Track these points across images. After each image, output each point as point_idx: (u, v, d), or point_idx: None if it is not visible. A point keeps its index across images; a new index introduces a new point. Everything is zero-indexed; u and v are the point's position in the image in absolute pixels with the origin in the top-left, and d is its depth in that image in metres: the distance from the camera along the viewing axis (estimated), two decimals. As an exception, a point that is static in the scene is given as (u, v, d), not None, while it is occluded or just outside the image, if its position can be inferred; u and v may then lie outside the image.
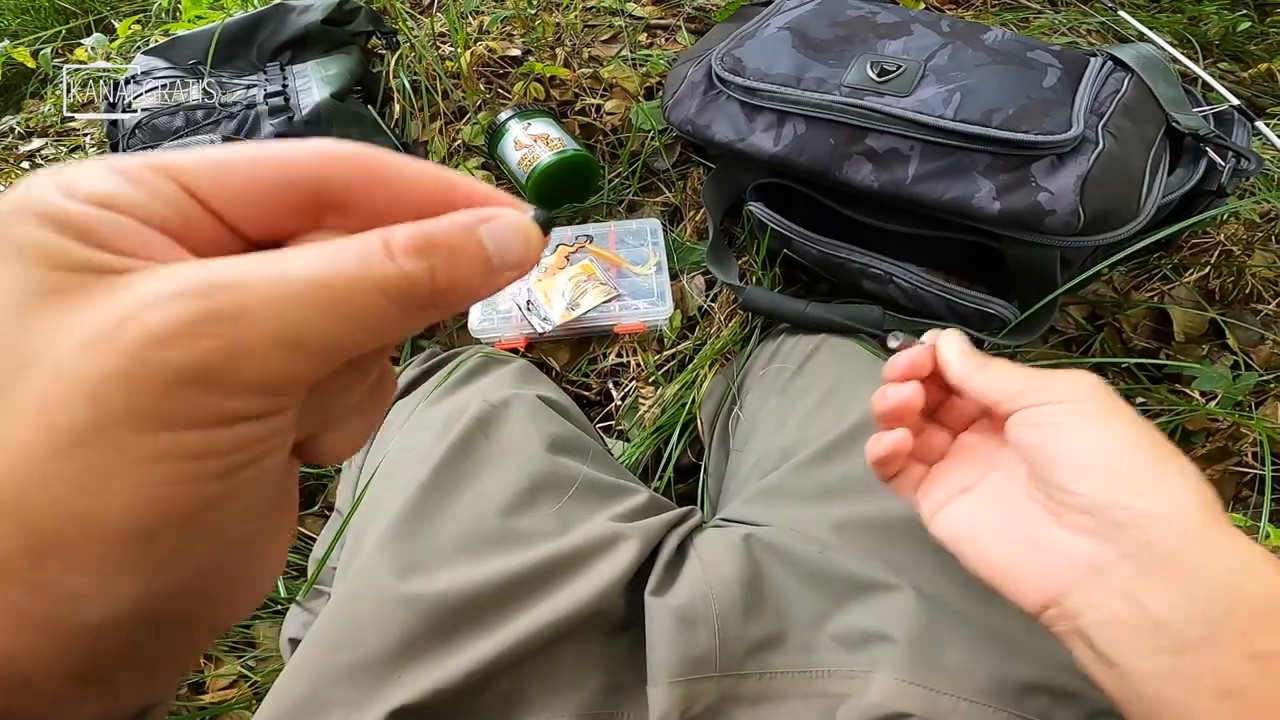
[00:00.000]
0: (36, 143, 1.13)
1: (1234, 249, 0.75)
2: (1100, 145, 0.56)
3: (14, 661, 0.13)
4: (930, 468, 0.37)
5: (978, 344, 0.67)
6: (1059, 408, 0.31)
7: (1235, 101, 0.67)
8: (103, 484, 0.12)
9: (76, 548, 0.13)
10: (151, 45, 0.89)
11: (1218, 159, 0.60)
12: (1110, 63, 0.62)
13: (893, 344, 0.38)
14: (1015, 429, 0.32)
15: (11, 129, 1.14)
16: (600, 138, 0.88)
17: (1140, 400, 0.69)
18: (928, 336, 0.37)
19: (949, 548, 0.34)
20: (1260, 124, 0.65)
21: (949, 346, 0.36)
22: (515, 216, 0.17)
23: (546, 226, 0.17)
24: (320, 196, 0.16)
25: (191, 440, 0.13)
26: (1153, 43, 0.74)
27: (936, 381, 0.36)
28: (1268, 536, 0.53)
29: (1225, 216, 0.76)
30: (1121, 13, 0.87)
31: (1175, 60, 0.72)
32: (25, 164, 1.08)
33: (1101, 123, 0.57)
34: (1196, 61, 0.81)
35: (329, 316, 0.14)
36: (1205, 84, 0.73)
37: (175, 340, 0.13)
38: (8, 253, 0.13)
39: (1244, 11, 1.02)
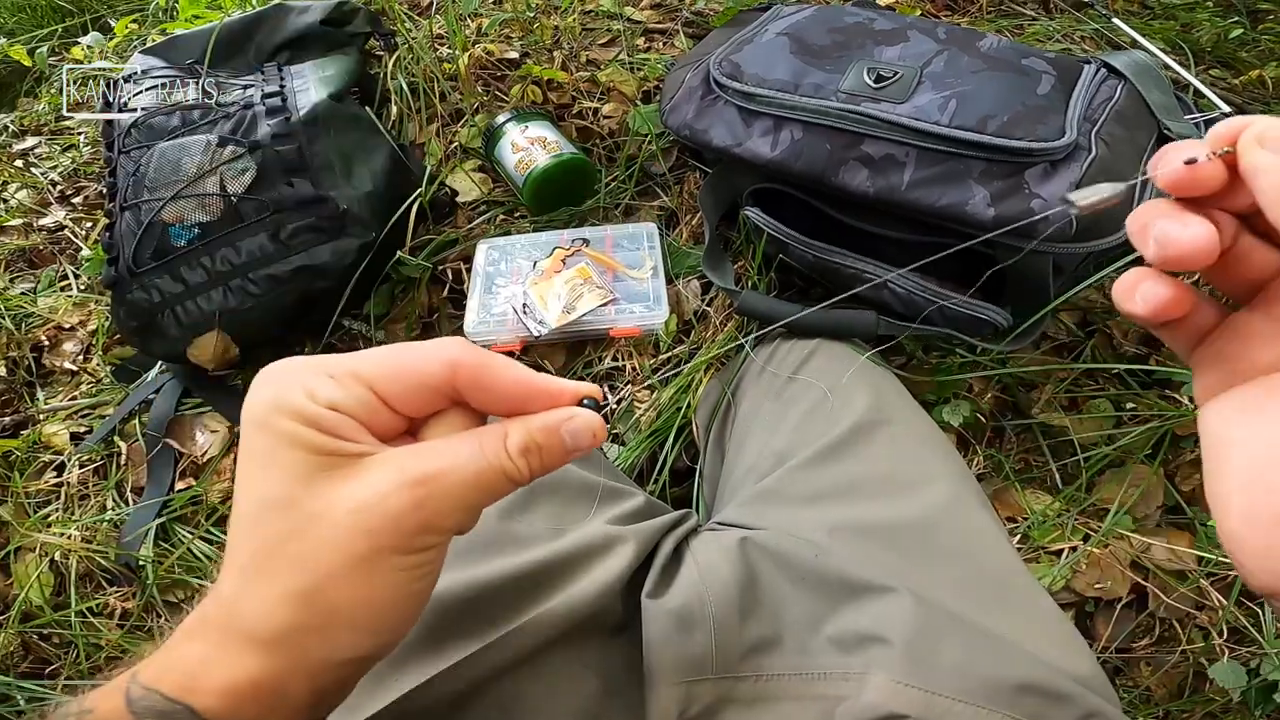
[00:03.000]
0: (30, 141, 1.13)
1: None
2: (1093, 152, 0.56)
3: (287, 686, 0.24)
4: (1228, 316, 0.25)
5: (969, 350, 0.68)
6: None
7: (1227, 108, 0.67)
8: (377, 583, 0.24)
9: (357, 619, 0.24)
10: (149, 44, 0.89)
11: (1209, 167, 0.61)
12: (1103, 70, 0.63)
13: (1078, 202, 0.25)
14: None
15: (5, 127, 1.14)
16: (597, 141, 0.88)
17: (1130, 406, 0.69)
18: (1221, 127, 0.22)
19: (1207, 452, 0.24)
20: (1251, 132, 0.66)
21: (1259, 155, 0.21)
22: (587, 418, 0.26)
23: (600, 410, 0.27)
24: (451, 393, 0.26)
25: (420, 557, 0.24)
26: (1145, 50, 0.75)
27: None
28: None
29: (1216, 223, 0.77)
30: (1115, 20, 0.88)
31: (1167, 67, 0.72)
32: (19, 162, 1.08)
33: (1094, 130, 0.58)
34: (1188, 68, 0.82)
35: (483, 493, 0.25)
36: (1197, 91, 0.74)
37: (413, 511, 0.24)
38: (286, 441, 0.24)
39: (1236, 19, 1.03)
